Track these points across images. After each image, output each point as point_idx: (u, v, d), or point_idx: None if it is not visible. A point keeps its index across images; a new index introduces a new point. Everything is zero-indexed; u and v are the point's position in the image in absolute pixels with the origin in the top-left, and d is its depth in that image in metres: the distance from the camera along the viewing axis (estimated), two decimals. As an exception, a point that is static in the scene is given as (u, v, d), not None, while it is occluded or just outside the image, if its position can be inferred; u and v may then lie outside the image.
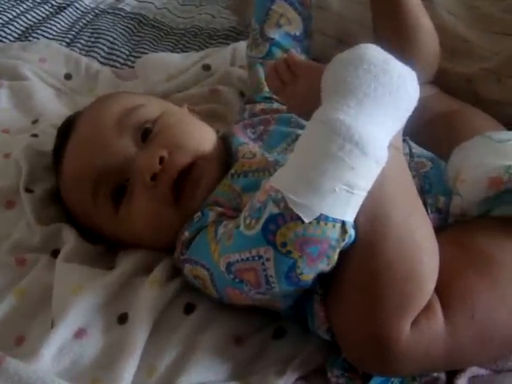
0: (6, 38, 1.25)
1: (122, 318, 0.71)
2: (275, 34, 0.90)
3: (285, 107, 0.85)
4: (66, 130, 0.83)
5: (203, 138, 0.79)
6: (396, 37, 0.85)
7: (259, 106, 0.89)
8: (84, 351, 0.68)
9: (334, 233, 0.56)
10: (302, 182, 0.56)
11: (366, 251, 0.58)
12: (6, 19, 1.30)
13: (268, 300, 0.65)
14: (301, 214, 0.55)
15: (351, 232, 0.58)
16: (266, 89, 0.88)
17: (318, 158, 0.57)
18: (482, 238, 0.64)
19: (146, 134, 0.77)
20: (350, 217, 0.57)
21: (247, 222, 0.59)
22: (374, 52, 0.61)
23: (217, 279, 0.66)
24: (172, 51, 1.23)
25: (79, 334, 0.69)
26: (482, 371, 0.67)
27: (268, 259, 0.57)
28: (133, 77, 1.15)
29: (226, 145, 0.82)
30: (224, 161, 0.79)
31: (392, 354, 0.57)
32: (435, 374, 0.65)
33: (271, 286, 0.59)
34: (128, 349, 0.66)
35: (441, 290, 0.59)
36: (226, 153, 0.81)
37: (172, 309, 0.72)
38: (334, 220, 0.56)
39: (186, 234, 0.72)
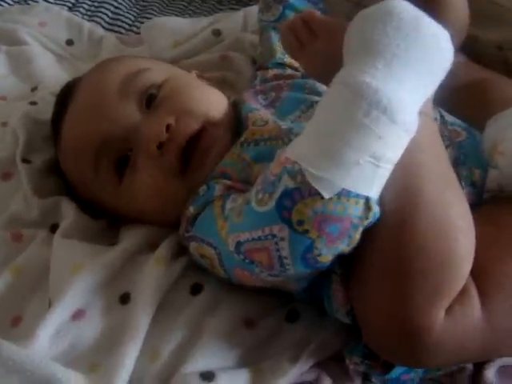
0: (3, 1, 1.19)
1: (124, 298, 0.67)
2: None
3: (299, 73, 0.81)
4: (66, 96, 0.79)
5: (212, 103, 0.75)
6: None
7: (271, 72, 0.84)
8: (83, 334, 0.64)
9: (356, 210, 0.51)
10: (322, 153, 0.51)
11: (396, 232, 0.53)
12: (5, -18, 1.24)
13: (281, 282, 0.60)
14: (320, 189, 0.50)
15: (376, 209, 0.53)
16: (279, 55, 0.85)
17: (341, 126, 0.52)
18: None
19: (150, 100, 0.72)
20: (374, 192, 0.52)
21: (259, 197, 0.54)
22: (404, 7, 0.55)
23: (225, 259, 0.61)
24: (180, 17, 1.18)
25: (78, 315, 0.65)
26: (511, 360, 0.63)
27: (282, 238, 0.53)
28: (139, 43, 1.10)
29: (236, 112, 0.77)
30: (235, 128, 0.74)
31: (423, 346, 0.53)
32: (462, 364, 0.61)
33: (285, 267, 0.55)
34: (130, 332, 0.63)
35: (476, 274, 0.55)
36: (236, 120, 0.76)
37: (178, 289, 0.68)
38: (358, 196, 0.51)
39: (191, 209, 0.67)
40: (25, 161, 0.82)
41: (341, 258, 0.57)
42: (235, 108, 0.78)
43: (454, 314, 0.53)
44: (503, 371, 0.62)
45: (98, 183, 0.73)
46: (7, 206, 0.79)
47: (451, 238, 0.53)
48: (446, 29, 0.57)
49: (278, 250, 0.54)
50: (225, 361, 0.63)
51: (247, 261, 0.57)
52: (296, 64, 0.82)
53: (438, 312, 0.53)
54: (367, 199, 0.52)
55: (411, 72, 0.53)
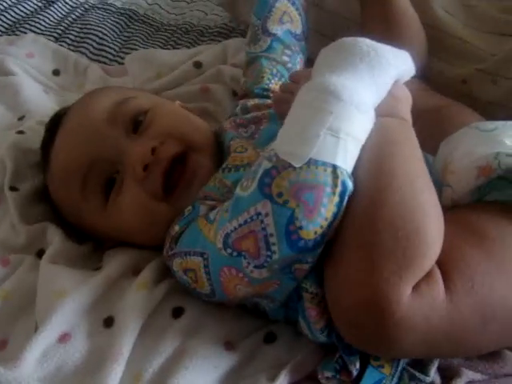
0: (-8, 31, 1.22)
1: (108, 322, 0.69)
2: (277, 30, 0.92)
3: None
4: (55, 124, 0.81)
5: (196, 129, 0.79)
6: (383, 24, 0.92)
7: (252, 102, 0.88)
8: (68, 356, 0.65)
9: (325, 177, 0.56)
10: (289, 135, 0.60)
11: (367, 208, 0.57)
12: (-6, 13, 1.27)
13: (263, 283, 0.62)
14: (291, 161, 0.57)
15: (345, 178, 0.57)
16: (266, 80, 0.89)
17: (300, 112, 0.61)
18: (476, 217, 0.64)
19: (137, 125, 0.76)
20: (341, 162, 0.57)
21: (244, 184, 0.60)
22: (346, 38, 0.65)
23: (212, 262, 0.64)
24: (163, 48, 1.21)
25: (63, 338, 0.67)
26: (478, 376, 0.65)
27: (267, 214, 0.57)
28: (122, 73, 1.13)
29: (218, 140, 0.81)
30: (218, 155, 0.78)
31: (392, 319, 0.54)
32: (430, 379, 0.64)
33: (271, 250, 0.58)
34: (113, 354, 0.64)
35: (440, 262, 0.58)
36: (219, 148, 0.80)
37: (160, 312, 0.70)
38: (324, 164, 0.56)
39: (176, 227, 0.70)
40: (12, 188, 0.84)
41: (314, 275, 0.61)
42: (218, 137, 0.82)
43: (421, 291, 0.56)
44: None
45: (85, 205, 0.76)
46: (-5, 232, 0.81)
47: (420, 221, 0.57)
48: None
49: (263, 229, 0.57)
50: (206, 381, 0.64)
51: (235, 253, 0.60)
52: None
53: (405, 286, 0.55)
54: (334, 167, 0.57)
55: (354, 72, 0.61)
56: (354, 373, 0.63)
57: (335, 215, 0.57)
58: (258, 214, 0.57)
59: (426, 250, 0.56)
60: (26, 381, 0.61)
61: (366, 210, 0.57)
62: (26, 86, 1.05)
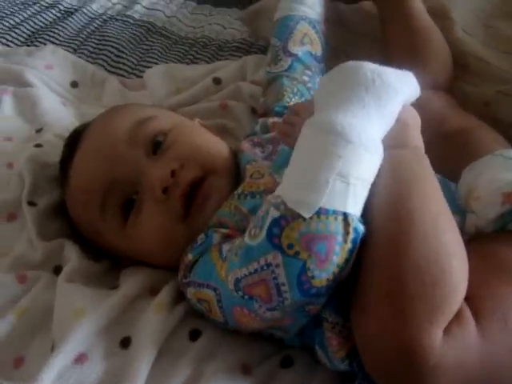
0: (12, 41, 1.23)
1: (125, 343, 0.68)
2: (298, 51, 0.93)
3: None
4: (74, 141, 0.81)
5: (215, 151, 0.78)
6: (408, 39, 0.93)
7: (271, 120, 0.87)
8: (85, 377, 0.65)
9: (336, 226, 0.55)
10: (297, 182, 0.58)
11: (390, 253, 0.56)
12: (13, 23, 1.27)
13: (276, 320, 0.62)
14: (300, 211, 0.55)
15: (356, 225, 0.56)
16: (286, 98, 0.89)
17: (307, 157, 0.58)
18: (502, 248, 0.63)
19: (157, 147, 0.76)
20: (352, 208, 0.56)
21: (252, 232, 0.58)
22: (347, 64, 0.63)
23: (224, 299, 0.63)
24: (181, 61, 1.21)
25: (80, 358, 0.66)
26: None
27: (277, 265, 0.56)
28: (140, 87, 1.13)
29: (236, 161, 0.81)
30: (235, 177, 0.78)
31: (425, 366, 0.53)
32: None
33: (283, 296, 0.57)
34: (130, 376, 0.64)
35: (470, 300, 0.57)
36: (236, 169, 0.79)
37: (177, 335, 0.69)
38: (335, 212, 0.55)
39: (190, 256, 0.70)
40: (30, 203, 0.83)
41: (333, 305, 0.60)
42: (235, 157, 0.81)
43: (453, 334, 0.54)
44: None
45: (104, 225, 0.75)
46: (12, 247, 0.81)
47: (445, 262, 0.55)
48: (415, 71, 0.65)
49: (275, 279, 0.56)
50: None
51: (246, 297, 0.59)
52: None
53: (437, 330, 0.54)
54: (345, 214, 0.55)
55: (360, 104, 0.59)
56: None
57: (348, 260, 0.56)
58: (269, 264, 0.56)
59: (453, 291, 0.55)
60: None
61: (389, 257, 0.56)
62: (45, 97, 1.05)
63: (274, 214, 0.56)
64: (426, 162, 0.63)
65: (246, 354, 0.69)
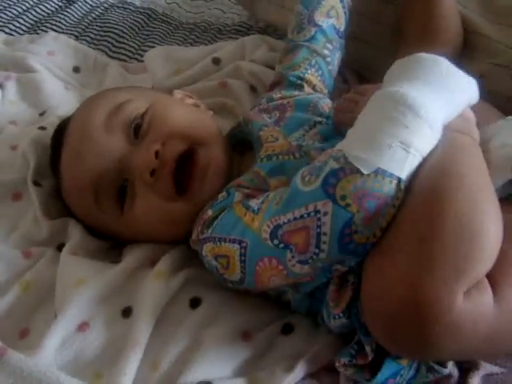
0: (15, 31, 1.24)
1: (126, 312, 0.70)
2: (323, 23, 0.92)
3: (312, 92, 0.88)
4: (59, 138, 0.81)
5: (197, 122, 0.78)
6: (420, 28, 0.95)
7: (279, 94, 0.87)
8: (87, 344, 0.67)
9: (390, 188, 0.57)
10: (361, 139, 0.60)
11: (434, 201, 0.56)
12: (16, 13, 1.29)
13: (301, 276, 0.61)
14: (360, 167, 0.57)
15: (403, 194, 0.58)
16: (303, 69, 0.89)
17: (375, 119, 0.60)
18: (509, 216, 0.61)
19: (137, 130, 0.75)
20: (405, 176, 0.58)
21: (306, 179, 0.60)
22: (425, 54, 0.65)
23: (251, 251, 0.63)
24: (181, 46, 1.22)
25: (82, 326, 0.68)
26: (496, 369, 0.65)
27: (325, 213, 0.57)
28: (142, 71, 1.14)
29: (247, 131, 0.81)
30: (229, 145, 0.79)
31: (438, 322, 0.52)
32: (447, 371, 0.63)
33: (320, 248, 0.57)
34: (131, 343, 0.65)
35: (491, 273, 0.56)
36: (245, 137, 0.81)
37: (177, 302, 0.70)
38: (391, 175, 0.57)
39: (210, 212, 0.70)
40: (36, 183, 0.85)
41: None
42: (244, 126, 0.82)
43: (472, 298, 0.54)
44: (487, 380, 0.64)
45: (102, 215, 0.76)
46: (17, 226, 0.82)
47: (483, 227, 0.55)
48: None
49: (318, 227, 0.57)
50: (222, 371, 0.65)
51: (282, 245, 0.60)
52: (314, 81, 0.88)
53: (459, 289, 0.53)
54: (399, 180, 0.57)
55: (432, 89, 0.61)
56: (370, 355, 0.62)
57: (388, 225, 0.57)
58: (317, 211, 0.57)
59: (484, 255, 0.55)
60: (46, 368, 0.62)
61: (432, 206, 0.56)
62: (48, 82, 1.06)
63: (333, 165, 0.58)
64: (477, 150, 0.64)
65: (246, 322, 0.70)
